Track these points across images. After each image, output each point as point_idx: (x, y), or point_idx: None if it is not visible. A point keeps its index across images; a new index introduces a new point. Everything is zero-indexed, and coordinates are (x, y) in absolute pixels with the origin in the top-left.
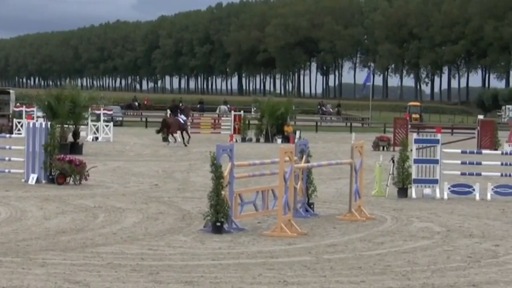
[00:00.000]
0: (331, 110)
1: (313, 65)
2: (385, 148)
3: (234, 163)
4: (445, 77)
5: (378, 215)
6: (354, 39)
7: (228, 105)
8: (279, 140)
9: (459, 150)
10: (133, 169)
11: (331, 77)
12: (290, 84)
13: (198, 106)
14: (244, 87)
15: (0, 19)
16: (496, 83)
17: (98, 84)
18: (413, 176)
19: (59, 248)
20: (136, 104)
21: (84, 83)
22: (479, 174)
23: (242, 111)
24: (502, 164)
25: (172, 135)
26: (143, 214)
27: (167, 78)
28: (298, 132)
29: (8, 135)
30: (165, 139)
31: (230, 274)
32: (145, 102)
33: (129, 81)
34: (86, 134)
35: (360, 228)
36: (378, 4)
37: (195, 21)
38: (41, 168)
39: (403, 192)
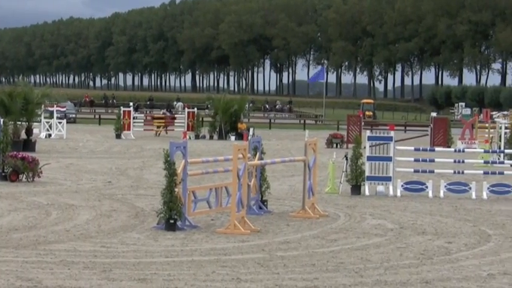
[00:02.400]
0: (281, 106)
1: (267, 62)
2: (338, 145)
3: (188, 160)
4: (398, 74)
5: (331, 212)
6: (308, 37)
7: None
8: (233, 137)
9: (412, 148)
10: (86, 166)
11: (285, 74)
12: (244, 82)
13: (148, 103)
14: (197, 84)
15: None
16: (449, 81)
17: (51, 81)
18: (367, 173)
19: (11, 245)
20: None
21: (37, 80)
22: (432, 172)
23: (196, 109)
24: (454, 162)
25: None
26: (96, 211)
27: (120, 75)
28: (251, 130)
29: None
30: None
31: (183, 271)
32: (86, 99)
33: (82, 78)
34: (39, 131)
35: (313, 225)
36: (331, 1)
37: (149, 18)
38: None
39: (356, 189)
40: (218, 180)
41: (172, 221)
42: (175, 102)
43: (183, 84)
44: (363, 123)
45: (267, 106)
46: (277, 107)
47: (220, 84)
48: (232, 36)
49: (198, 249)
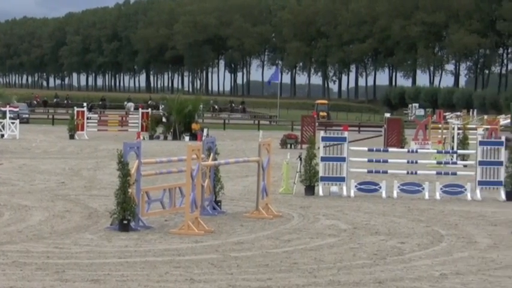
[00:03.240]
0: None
1: (221, 63)
2: (292, 146)
3: (141, 161)
4: (352, 75)
5: (285, 213)
6: (262, 37)
7: (151, 101)
8: (187, 138)
9: (366, 148)
10: (39, 167)
11: (239, 74)
12: (198, 82)
13: (100, 103)
14: (152, 84)
15: None
16: (403, 82)
17: (4, 81)
18: (321, 174)
19: None
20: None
21: None
22: (385, 172)
23: (150, 109)
24: (408, 162)
25: None
26: (49, 212)
27: (74, 75)
28: (205, 130)
29: None
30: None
31: (137, 272)
32: (37, 99)
33: (36, 78)
34: None
35: (267, 225)
36: (286, 2)
37: (103, 18)
38: None
39: (310, 189)
40: (172, 181)
41: (125, 222)
42: (125, 103)
43: (137, 84)
44: (317, 123)
45: (216, 107)
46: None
47: (175, 85)
48: (186, 37)
49: (152, 249)
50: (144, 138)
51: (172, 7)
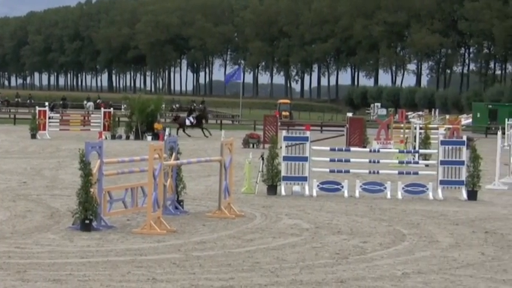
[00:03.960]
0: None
1: (184, 62)
2: (255, 145)
3: (103, 160)
4: (314, 74)
5: (247, 212)
6: (225, 37)
7: (99, 100)
8: (149, 137)
9: (328, 148)
10: (0, 166)
11: (202, 74)
12: (160, 82)
13: (61, 103)
14: (114, 84)
15: None
16: (365, 81)
17: None
18: (283, 173)
19: None
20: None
21: None
22: (347, 172)
23: (112, 108)
24: (370, 162)
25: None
26: (11, 212)
27: (36, 74)
28: (167, 130)
29: None
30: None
31: (99, 272)
32: None
33: None
34: None
35: (229, 225)
36: (248, 2)
37: (65, 18)
38: None
39: (272, 189)
40: (134, 181)
41: (87, 222)
42: (85, 102)
43: (99, 84)
44: (279, 123)
45: (174, 106)
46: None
47: (137, 84)
48: (149, 36)
49: (114, 249)
50: (106, 138)
51: (135, 6)
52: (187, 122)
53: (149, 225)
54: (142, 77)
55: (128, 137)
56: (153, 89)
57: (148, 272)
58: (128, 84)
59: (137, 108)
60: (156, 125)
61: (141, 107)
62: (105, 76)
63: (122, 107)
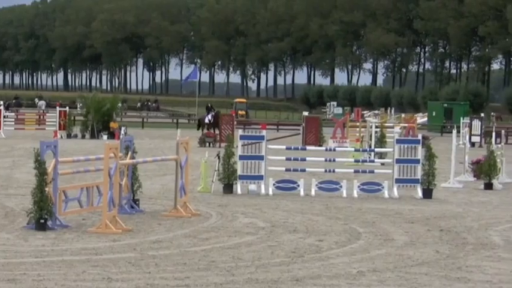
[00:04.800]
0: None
1: (140, 61)
2: (211, 144)
3: (58, 159)
4: (271, 73)
5: (203, 211)
6: (181, 36)
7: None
8: (105, 136)
9: (284, 147)
10: None
11: (158, 73)
12: (116, 80)
13: (14, 102)
14: (70, 83)
15: None
16: (321, 80)
17: None
18: (239, 172)
19: None
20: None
21: None
22: (303, 170)
23: (67, 107)
24: (326, 160)
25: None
26: None
27: None
28: (123, 129)
29: None
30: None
31: (53, 271)
32: None
33: None
34: None
35: (185, 224)
36: (204, 1)
37: (20, 16)
38: None
39: (228, 188)
40: (90, 180)
41: (42, 221)
42: (36, 100)
43: (55, 82)
44: (235, 122)
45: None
46: (149, 104)
47: (93, 83)
48: (104, 35)
49: (69, 248)
50: (61, 137)
51: (90, 5)
52: (206, 120)
53: (105, 225)
54: (98, 76)
55: (83, 136)
56: (109, 88)
57: (104, 271)
58: (84, 83)
59: (93, 107)
60: (111, 124)
61: (96, 106)
62: (60, 75)
63: (78, 105)
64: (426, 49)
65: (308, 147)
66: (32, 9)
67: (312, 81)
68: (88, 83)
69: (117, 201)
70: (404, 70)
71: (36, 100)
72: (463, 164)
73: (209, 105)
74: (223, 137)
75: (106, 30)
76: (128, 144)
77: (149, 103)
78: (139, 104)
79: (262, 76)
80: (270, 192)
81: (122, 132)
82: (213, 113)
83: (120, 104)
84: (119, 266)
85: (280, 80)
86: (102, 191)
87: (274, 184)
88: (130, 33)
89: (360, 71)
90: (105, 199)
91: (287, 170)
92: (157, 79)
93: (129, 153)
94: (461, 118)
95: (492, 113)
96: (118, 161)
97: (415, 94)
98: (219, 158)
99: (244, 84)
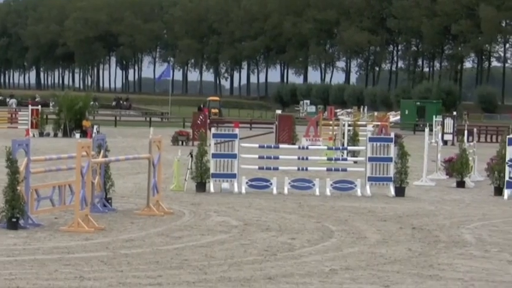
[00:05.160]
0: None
1: (113, 60)
2: (184, 143)
3: (30, 158)
4: (244, 72)
5: (176, 210)
6: (154, 34)
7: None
8: (78, 135)
9: (257, 145)
10: None
11: (131, 71)
12: (89, 79)
13: None
14: (42, 81)
15: None
16: (294, 79)
17: None
18: (212, 171)
19: None
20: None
21: None
22: (276, 169)
23: (40, 106)
24: (299, 159)
25: None
26: None
27: None
28: (96, 127)
29: None
30: None
31: (25, 270)
32: None
33: None
34: None
35: (157, 222)
36: None
37: None
38: None
39: (201, 186)
40: (62, 178)
41: (14, 220)
42: (8, 99)
43: (27, 81)
44: (208, 120)
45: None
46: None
47: (66, 82)
48: (77, 33)
49: (41, 247)
50: (34, 135)
51: (63, 3)
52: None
53: (77, 223)
54: (70, 74)
55: (55, 135)
56: (81, 86)
57: (76, 270)
58: (56, 81)
59: (65, 105)
60: (84, 123)
61: (69, 105)
62: (33, 73)
63: (50, 104)
64: (399, 47)
65: (281, 146)
66: (4, 7)
67: (285, 80)
68: (61, 82)
69: (90, 200)
70: (377, 68)
71: (8, 99)
72: (435, 162)
73: (202, 105)
74: (196, 135)
75: (79, 28)
76: (100, 143)
77: (121, 101)
78: (114, 103)
79: (236, 74)
80: (243, 191)
81: (95, 130)
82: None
83: (92, 103)
84: (91, 265)
85: (253, 79)
86: (74, 189)
87: (247, 182)
88: (103, 31)
89: (333, 69)
90: (78, 198)
91: (260, 168)
92: (130, 77)
93: (102, 152)
94: (434, 116)
95: (464, 112)
96: (90, 160)
97: (388, 92)
98: (191, 156)
99: (218, 82)
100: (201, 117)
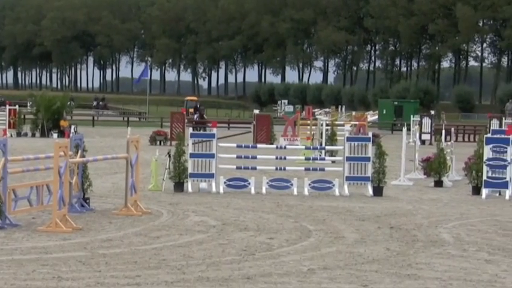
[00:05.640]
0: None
1: (90, 59)
2: (162, 142)
3: (8, 158)
4: (222, 71)
5: (154, 210)
6: (131, 34)
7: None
8: (55, 135)
9: (235, 145)
10: None
11: (109, 71)
12: (67, 79)
13: None
14: (20, 81)
15: None
16: (272, 78)
17: None
18: (190, 171)
19: None
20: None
21: None
22: (254, 168)
23: (17, 106)
24: (277, 158)
25: None
26: None
27: None
28: (73, 127)
29: None
30: None
31: (3, 271)
32: None
33: None
34: None
35: (135, 222)
36: None
37: None
38: None
39: (179, 186)
40: (40, 178)
41: None
42: None
43: (4, 81)
44: (186, 120)
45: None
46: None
47: (43, 81)
48: (55, 33)
49: (19, 247)
50: (11, 135)
51: (40, 3)
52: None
53: (55, 223)
54: (48, 74)
55: (33, 135)
56: (59, 86)
57: (54, 270)
58: (34, 81)
59: (43, 105)
60: (62, 122)
61: (47, 104)
62: (10, 73)
63: (28, 104)
64: (377, 47)
65: (259, 145)
66: None
67: (263, 79)
68: (38, 81)
69: (67, 200)
70: (355, 68)
71: None
72: (413, 162)
73: (198, 105)
74: (173, 135)
75: (56, 28)
76: (77, 143)
77: (98, 101)
78: (95, 102)
79: (213, 74)
80: (221, 191)
81: (72, 130)
82: (199, 112)
83: (69, 103)
84: (69, 265)
85: (231, 78)
86: (52, 189)
87: (225, 182)
88: (80, 31)
89: (310, 69)
90: (55, 198)
91: (238, 168)
92: (108, 77)
93: (79, 152)
94: (412, 116)
95: (442, 111)
96: (68, 160)
97: (365, 92)
98: (169, 156)
99: (195, 82)
100: (194, 117)
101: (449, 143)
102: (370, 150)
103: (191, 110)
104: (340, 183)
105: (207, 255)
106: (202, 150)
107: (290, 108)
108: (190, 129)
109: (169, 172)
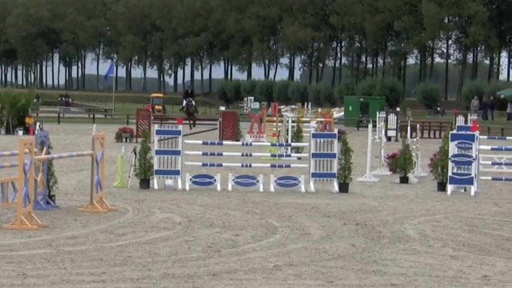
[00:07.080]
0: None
1: (56, 56)
2: (128, 139)
3: None
4: (188, 68)
5: (119, 207)
6: (97, 31)
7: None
8: (20, 132)
9: (201, 142)
10: None
11: (74, 68)
12: (32, 76)
13: None
14: None
15: None
16: (238, 75)
17: None
18: (155, 167)
19: None
20: None
21: None
22: (220, 165)
23: None
24: (242, 155)
25: None
26: None
27: None
28: (38, 124)
29: None
30: None
31: None
32: None
33: None
34: None
35: (101, 219)
36: None
37: None
38: None
39: (145, 183)
40: (4, 176)
41: None
42: None
43: None
44: (152, 117)
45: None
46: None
47: (8, 79)
48: (20, 30)
49: None
50: None
51: (5, 0)
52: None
53: (20, 221)
54: (13, 71)
55: None
56: (24, 83)
57: (19, 267)
58: None
59: (8, 102)
60: (27, 120)
61: (12, 102)
62: None
63: None
64: (342, 44)
65: (225, 142)
66: None
67: (229, 76)
68: (3, 79)
69: (33, 197)
70: (321, 65)
71: None
72: (378, 158)
73: (189, 90)
74: (139, 132)
75: (21, 25)
76: (43, 140)
77: (61, 98)
78: (59, 99)
79: (179, 71)
80: (187, 187)
81: (37, 127)
82: (187, 101)
83: (35, 100)
84: (34, 262)
85: (197, 75)
86: (17, 186)
87: (190, 179)
88: (46, 28)
89: (276, 65)
90: (20, 195)
91: (204, 165)
92: (74, 74)
93: (45, 149)
94: (377, 112)
95: (408, 108)
96: (33, 157)
97: (331, 89)
98: (135, 153)
99: (161, 79)
100: (183, 104)
101: (414, 139)
102: (336, 147)
103: (158, 107)
104: (306, 180)
105: (173, 252)
106: (168, 147)
107: (256, 105)
108: (156, 126)
109: (135, 169)
